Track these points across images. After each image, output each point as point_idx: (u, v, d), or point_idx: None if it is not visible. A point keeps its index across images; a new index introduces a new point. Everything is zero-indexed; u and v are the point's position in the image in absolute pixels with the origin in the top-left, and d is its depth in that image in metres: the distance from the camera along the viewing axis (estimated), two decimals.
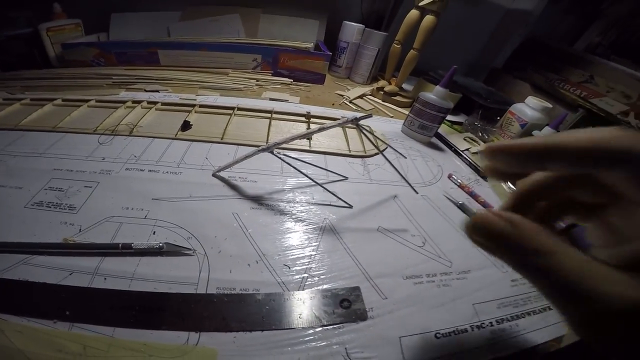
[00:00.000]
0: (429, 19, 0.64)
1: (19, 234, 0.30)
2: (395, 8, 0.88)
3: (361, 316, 0.28)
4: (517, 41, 0.98)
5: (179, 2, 0.80)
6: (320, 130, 0.35)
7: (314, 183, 0.39)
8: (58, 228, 0.31)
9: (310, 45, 0.76)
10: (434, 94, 0.55)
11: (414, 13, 0.66)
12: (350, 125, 0.35)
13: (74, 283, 0.27)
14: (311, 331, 0.27)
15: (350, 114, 0.63)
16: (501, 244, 0.17)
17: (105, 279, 0.27)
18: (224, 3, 0.82)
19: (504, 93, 0.88)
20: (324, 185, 0.39)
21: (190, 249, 0.31)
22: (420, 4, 0.63)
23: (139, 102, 0.53)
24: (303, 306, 0.28)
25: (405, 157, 0.51)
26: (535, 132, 0.64)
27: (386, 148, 0.52)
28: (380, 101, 0.76)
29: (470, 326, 0.29)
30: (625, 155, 0.15)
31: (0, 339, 0.23)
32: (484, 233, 0.17)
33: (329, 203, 0.40)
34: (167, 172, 0.40)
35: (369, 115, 0.33)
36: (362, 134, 0.42)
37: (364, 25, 0.82)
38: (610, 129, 0.15)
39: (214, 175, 0.41)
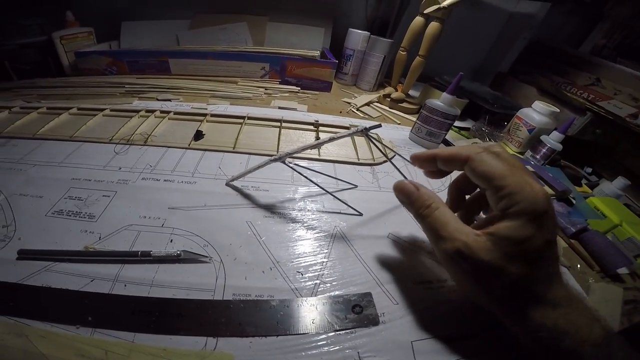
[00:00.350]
0: (434, 25, 0.65)
1: (41, 242, 0.31)
2: (399, 14, 0.89)
3: (373, 321, 0.29)
4: (521, 45, 0.99)
5: (188, 10, 0.82)
6: (330, 140, 0.35)
7: (324, 192, 0.40)
8: (79, 236, 0.32)
9: (316, 53, 0.77)
10: (440, 100, 0.55)
11: (418, 20, 0.67)
12: (361, 134, 0.36)
13: (96, 289, 0.28)
14: (324, 336, 0.27)
15: (357, 122, 0.64)
16: (410, 199, 0.29)
17: (125, 285, 0.28)
18: (231, 12, 0.83)
19: (511, 97, 0.88)
20: (334, 194, 0.40)
21: (206, 257, 0.31)
22: (425, 11, 0.64)
23: (152, 111, 0.54)
24: (316, 312, 0.29)
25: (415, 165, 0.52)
26: (543, 137, 0.64)
27: (394, 156, 0.52)
28: (387, 108, 0.77)
29: (482, 330, 0.29)
30: (464, 159, 0.27)
31: (24, 344, 0.23)
32: (402, 192, 0.30)
33: (339, 211, 0.40)
34: (182, 181, 0.41)
35: (379, 125, 0.34)
36: (370, 143, 0.43)
37: (369, 33, 0.83)
38: (467, 145, 0.27)
39: (227, 184, 0.42)
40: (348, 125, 0.59)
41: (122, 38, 0.77)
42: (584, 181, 0.71)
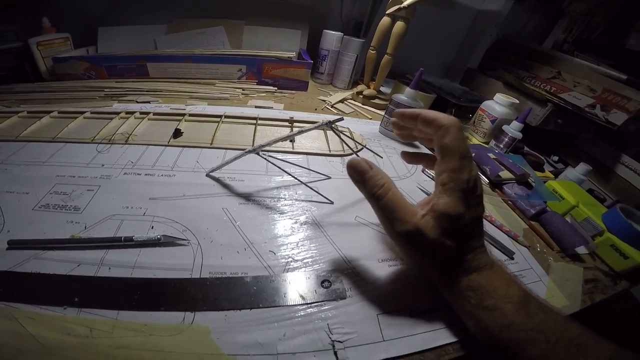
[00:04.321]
0: (399, 25, 0.69)
1: (30, 233, 0.33)
2: (372, 15, 0.93)
3: (341, 295, 0.32)
4: (488, 41, 1.04)
5: (165, 15, 0.83)
6: (299, 133, 0.39)
7: (297, 181, 0.43)
8: (65, 226, 0.34)
9: (292, 54, 0.80)
10: (405, 95, 0.59)
11: (385, 20, 0.71)
12: (325, 127, 0.39)
13: (82, 273, 0.30)
14: (295, 308, 0.30)
15: (331, 117, 0.67)
16: (362, 177, 0.29)
17: (109, 268, 0.30)
18: (208, 16, 0.85)
19: (479, 91, 0.93)
20: (305, 182, 0.43)
21: (185, 240, 0.34)
22: (388, 11, 0.68)
23: (132, 112, 0.56)
24: (287, 286, 0.31)
25: (382, 157, 0.55)
26: (505, 127, 0.69)
27: (362, 149, 0.56)
28: (360, 105, 0.81)
29: (444, 306, 0.32)
30: (440, 125, 0.29)
31: (13, 326, 0.25)
32: (355, 169, 0.30)
33: (310, 198, 0.43)
34: (162, 175, 0.43)
35: (341, 118, 0.37)
36: (339, 136, 0.46)
37: (342, 33, 0.86)
38: (446, 115, 0.30)
39: (207, 175, 0.44)
40: (321, 121, 0.62)
41: (99, 43, 0.77)
42: (549, 168, 0.75)
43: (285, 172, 0.42)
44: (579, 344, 0.25)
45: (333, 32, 0.85)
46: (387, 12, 0.69)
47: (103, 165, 0.44)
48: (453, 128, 0.29)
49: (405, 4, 0.64)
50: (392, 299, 0.32)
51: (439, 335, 0.30)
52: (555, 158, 0.87)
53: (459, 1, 1.01)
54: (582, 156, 0.82)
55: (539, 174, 0.67)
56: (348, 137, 0.58)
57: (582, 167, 0.63)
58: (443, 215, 0.28)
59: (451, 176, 0.28)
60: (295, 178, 0.42)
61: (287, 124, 0.61)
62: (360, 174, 0.29)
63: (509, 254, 0.42)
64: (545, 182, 0.61)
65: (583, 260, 0.46)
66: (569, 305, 0.38)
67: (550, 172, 0.72)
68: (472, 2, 1.02)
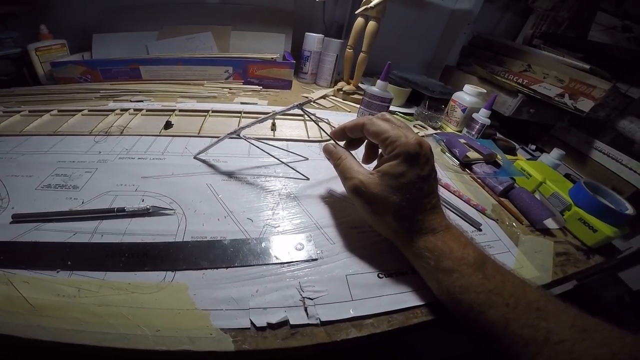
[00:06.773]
0: (371, 24, 0.75)
1: (32, 209, 0.35)
2: (351, 18, 0.98)
3: (312, 256, 0.34)
4: (463, 39, 1.10)
5: (156, 22, 0.88)
6: (274, 115, 0.43)
7: (276, 161, 0.48)
8: (64, 202, 0.37)
9: (276, 55, 0.85)
10: (376, 87, 0.64)
11: (360, 21, 0.77)
12: (297, 110, 0.44)
13: (77, 241, 0.33)
14: (269, 267, 0.33)
15: (312, 111, 0.72)
16: (330, 154, 0.39)
17: (102, 235, 0.34)
18: (197, 23, 0.90)
19: (456, 86, 0.98)
20: (283, 161, 0.47)
21: (171, 210, 0.38)
22: (357, 12, 0.74)
23: (126, 109, 0.61)
24: (262, 248, 0.34)
25: None
26: (474, 115, 0.74)
27: None
28: (341, 100, 0.86)
29: (412, 270, 0.34)
30: (362, 124, 0.36)
31: (7, 290, 0.27)
32: (325, 150, 0.40)
33: (288, 175, 0.48)
34: (154, 158, 0.48)
35: (309, 101, 0.42)
36: (309, 116, 0.51)
37: (323, 35, 0.92)
38: (366, 116, 0.38)
39: (194, 158, 0.49)
40: (292, 104, 0.66)
41: (94, 49, 0.82)
42: (526, 156, 0.81)
43: (265, 152, 0.47)
44: (538, 308, 0.26)
45: (314, 34, 0.91)
46: (357, 12, 0.74)
47: (100, 152, 0.48)
48: (371, 120, 0.35)
49: (372, 4, 0.70)
50: (360, 262, 0.35)
51: (407, 298, 0.32)
52: (533, 147, 0.92)
53: (434, 2, 1.07)
54: (558, 144, 0.86)
55: (510, 157, 0.71)
56: (322, 129, 0.63)
57: (556, 152, 0.66)
58: (386, 174, 0.32)
59: (390, 146, 0.32)
60: (274, 157, 0.47)
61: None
62: (328, 152, 0.40)
63: (476, 226, 0.45)
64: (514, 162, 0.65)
65: (554, 235, 0.48)
66: (539, 276, 0.39)
67: (527, 160, 0.76)
68: (446, 2, 1.07)
